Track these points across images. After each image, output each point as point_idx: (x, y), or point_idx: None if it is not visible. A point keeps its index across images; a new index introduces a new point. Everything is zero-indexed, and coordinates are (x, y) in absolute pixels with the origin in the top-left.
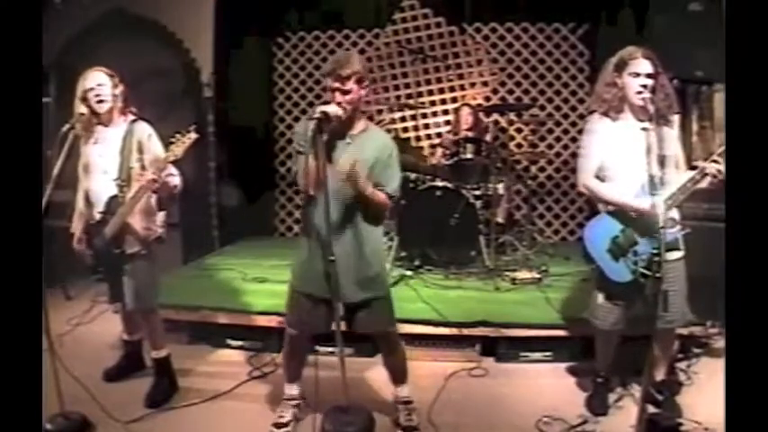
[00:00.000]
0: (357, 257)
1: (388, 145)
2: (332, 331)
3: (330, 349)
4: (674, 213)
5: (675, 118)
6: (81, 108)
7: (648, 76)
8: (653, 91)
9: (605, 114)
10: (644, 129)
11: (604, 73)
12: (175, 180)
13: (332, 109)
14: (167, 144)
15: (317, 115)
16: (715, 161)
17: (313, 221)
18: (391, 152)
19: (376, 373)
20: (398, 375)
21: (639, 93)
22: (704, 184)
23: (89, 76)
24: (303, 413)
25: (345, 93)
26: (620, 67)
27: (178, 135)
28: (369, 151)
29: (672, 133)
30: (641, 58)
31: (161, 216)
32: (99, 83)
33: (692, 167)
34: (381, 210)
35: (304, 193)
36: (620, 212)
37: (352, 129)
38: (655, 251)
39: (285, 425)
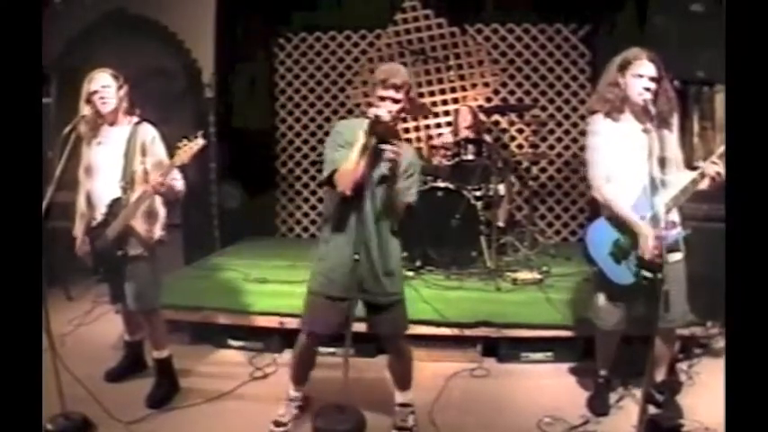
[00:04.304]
0: (382, 258)
1: (414, 158)
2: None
3: (330, 350)
4: (675, 215)
5: (675, 120)
6: (85, 109)
7: (651, 78)
8: (655, 94)
9: (607, 115)
10: (645, 131)
11: (607, 73)
12: (179, 185)
13: (383, 113)
14: (173, 148)
15: (370, 116)
16: (714, 163)
17: (345, 221)
18: (416, 165)
19: (375, 374)
20: (403, 382)
21: (641, 94)
22: (704, 185)
23: (94, 78)
24: (304, 413)
25: (396, 101)
26: (624, 67)
27: (185, 140)
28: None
29: (672, 135)
30: (645, 60)
31: (162, 218)
32: (104, 84)
33: (693, 168)
34: (402, 214)
35: (337, 193)
36: (619, 222)
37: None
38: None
39: (285, 424)
